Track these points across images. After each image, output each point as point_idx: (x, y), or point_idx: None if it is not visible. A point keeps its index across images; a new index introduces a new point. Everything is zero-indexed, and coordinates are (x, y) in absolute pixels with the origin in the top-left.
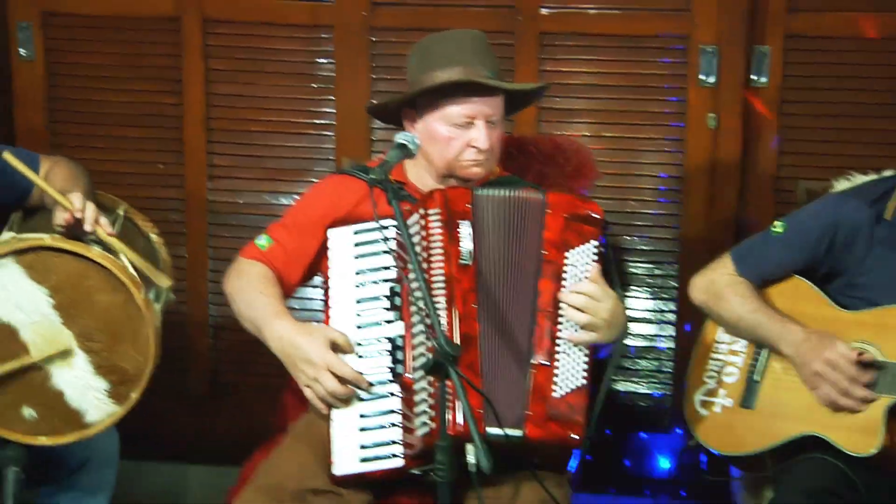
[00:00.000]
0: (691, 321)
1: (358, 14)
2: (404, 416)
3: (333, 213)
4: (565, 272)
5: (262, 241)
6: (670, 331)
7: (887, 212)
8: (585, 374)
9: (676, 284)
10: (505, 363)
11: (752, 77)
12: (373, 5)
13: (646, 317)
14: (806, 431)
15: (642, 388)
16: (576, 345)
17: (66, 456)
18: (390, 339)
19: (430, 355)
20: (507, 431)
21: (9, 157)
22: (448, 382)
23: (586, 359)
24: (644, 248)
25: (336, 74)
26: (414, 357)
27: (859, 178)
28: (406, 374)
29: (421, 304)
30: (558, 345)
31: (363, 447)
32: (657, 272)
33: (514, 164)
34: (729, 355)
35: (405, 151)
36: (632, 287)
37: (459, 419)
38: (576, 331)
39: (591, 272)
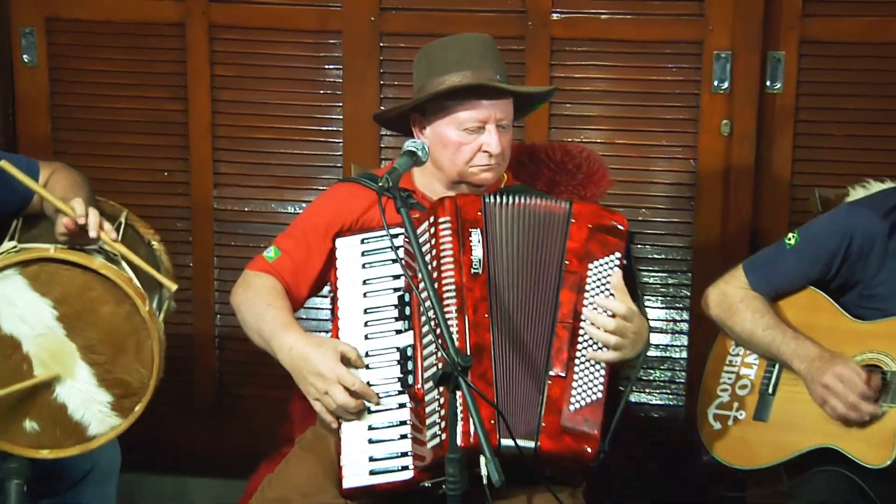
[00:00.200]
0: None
1: (366, 19)
2: (414, 428)
3: (341, 222)
4: (587, 284)
5: (270, 252)
6: (683, 341)
7: None
8: (603, 387)
9: (689, 294)
10: (519, 374)
11: (767, 83)
12: (381, 10)
13: (659, 327)
14: (820, 444)
15: (655, 399)
16: (596, 361)
17: (68, 468)
18: (400, 350)
19: (441, 365)
20: (520, 443)
21: (6, 165)
22: (459, 394)
23: (604, 372)
24: (656, 256)
25: (344, 81)
26: (424, 367)
27: (875, 186)
28: (416, 386)
29: (431, 313)
30: (577, 357)
31: (373, 459)
32: (670, 281)
33: (524, 172)
34: (742, 368)
35: (415, 159)
36: (644, 296)
37: (471, 431)
38: (598, 348)
39: (614, 286)
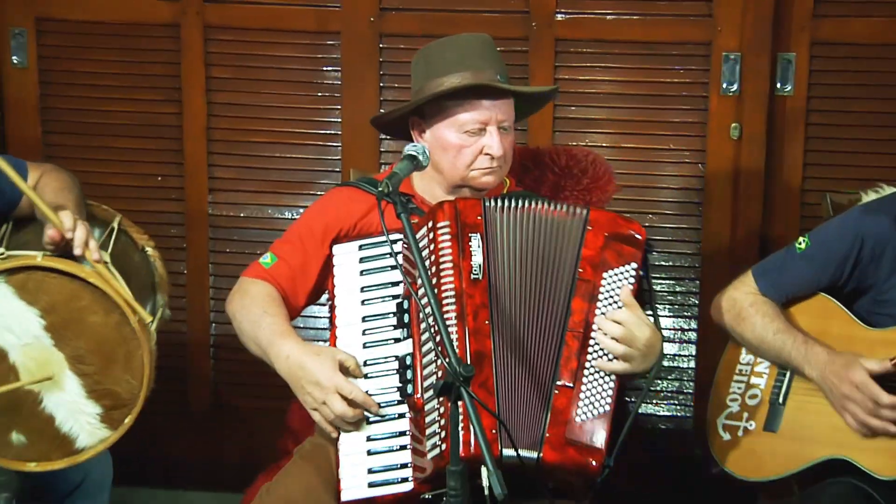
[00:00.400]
0: (713, 340)
1: (365, 20)
2: (414, 438)
3: (338, 227)
4: (601, 293)
5: (266, 258)
6: (691, 350)
7: None
8: (611, 400)
9: (697, 302)
10: (522, 382)
11: (777, 85)
12: (381, 11)
13: (666, 335)
14: (831, 455)
15: (663, 410)
16: (606, 372)
17: (59, 481)
18: (399, 358)
19: (441, 373)
20: (523, 453)
21: (1, 163)
22: (460, 404)
23: (613, 385)
24: (664, 263)
25: (343, 83)
26: (424, 376)
27: (888, 190)
28: (416, 395)
29: (431, 320)
30: (586, 368)
31: (372, 471)
32: (678, 289)
33: (528, 177)
34: (752, 377)
35: (415, 163)
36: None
37: (472, 441)
38: (609, 359)
39: (628, 297)
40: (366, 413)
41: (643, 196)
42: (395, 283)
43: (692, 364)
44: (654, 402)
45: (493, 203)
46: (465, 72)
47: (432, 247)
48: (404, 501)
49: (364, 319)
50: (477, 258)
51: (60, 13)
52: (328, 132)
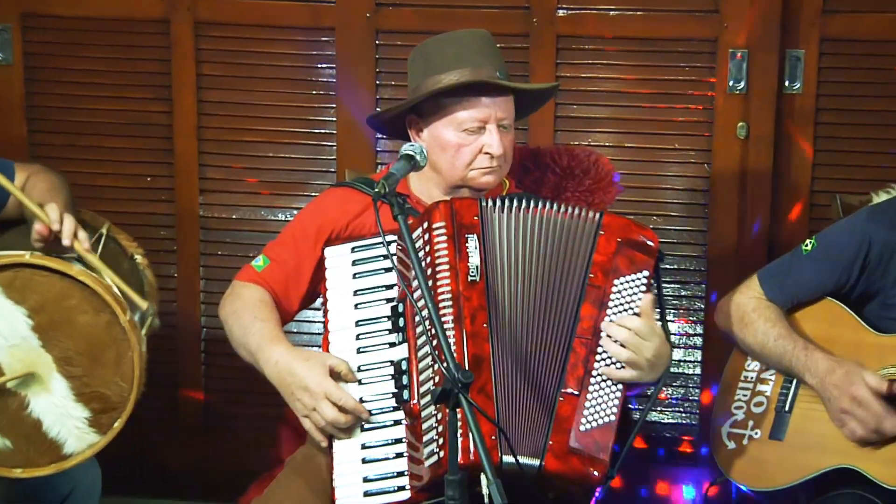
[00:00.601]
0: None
1: (361, 15)
2: (411, 446)
3: (331, 228)
4: (611, 300)
5: (259, 261)
6: (697, 356)
7: None
8: (616, 410)
9: (703, 306)
10: (523, 388)
11: (785, 83)
12: (377, 6)
13: (671, 341)
14: (839, 464)
15: (667, 418)
16: (613, 381)
17: (46, 491)
18: (394, 363)
19: (438, 378)
20: (523, 460)
21: None
22: (459, 411)
23: (619, 394)
24: (669, 266)
25: (338, 81)
26: (420, 382)
27: None
28: (412, 401)
29: (427, 323)
30: (593, 376)
31: (367, 480)
32: (683, 293)
33: (529, 178)
34: (758, 384)
35: (413, 163)
36: (654, 309)
37: (470, 448)
38: (617, 366)
39: (639, 305)
40: (360, 420)
41: (647, 197)
42: (390, 286)
43: (698, 370)
44: (659, 409)
45: (489, 203)
46: (464, 68)
47: (428, 248)
48: None
49: (357, 324)
50: (474, 259)
51: (47, 9)
52: (323, 131)
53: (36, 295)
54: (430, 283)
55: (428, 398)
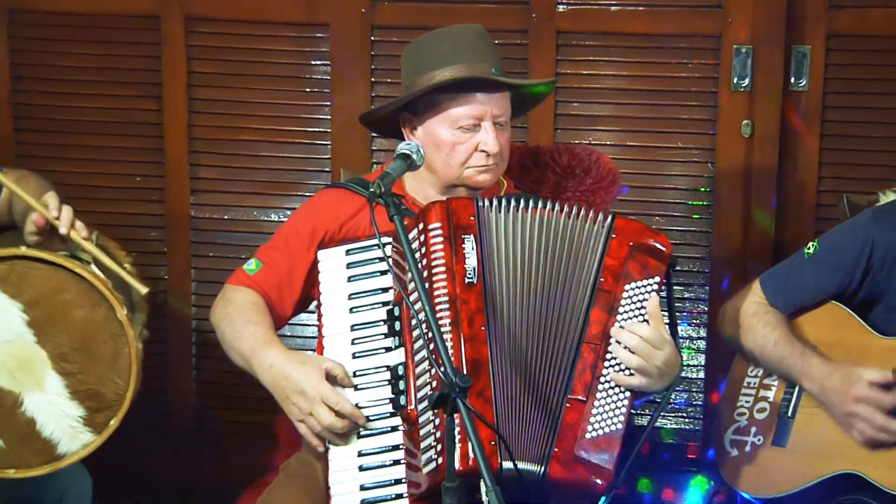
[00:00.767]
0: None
1: (356, 11)
2: (408, 452)
3: (324, 230)
4: (621, 306)
5: (251, 265)
6: (700, 360)
7: None
8: (623, 418)
9: (707, 309)
10: (525, 393)
11: (791, 80)
12: (373, 1)
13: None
14: (843, 470)
15: (670, 424)
16: (621, 388)
17: (35, 498)
18: (390, 368)
19: (435, 383)
20: (525, 466)
21: None
22: (456, 416)
23: (627, 402)
24: None
25: (332, 78)
26: (417, 387)
27: None
28: (409, 407)
29: (424, 327)
30: (601, 382)
31: (364, 488)
32: (686, 295)
33: (528, 177)
34: (761, 389)
35: (409, 162)
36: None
37: (469, 454)
38: (626, 373)
39: (650, 312)
40: (357, 426)
41: (649, 197)
42: (385, 290)
43: (701, 375)
44: (662, 414)
45: (486, 203)
46: (459, 64)
47: (423, 250)
48: None
49: (353, 328)
50: (471, 261)
51: (33, 4)
52: (317, 130)
53: (31, 289)
54: (426, 285)
55: (425, 403)
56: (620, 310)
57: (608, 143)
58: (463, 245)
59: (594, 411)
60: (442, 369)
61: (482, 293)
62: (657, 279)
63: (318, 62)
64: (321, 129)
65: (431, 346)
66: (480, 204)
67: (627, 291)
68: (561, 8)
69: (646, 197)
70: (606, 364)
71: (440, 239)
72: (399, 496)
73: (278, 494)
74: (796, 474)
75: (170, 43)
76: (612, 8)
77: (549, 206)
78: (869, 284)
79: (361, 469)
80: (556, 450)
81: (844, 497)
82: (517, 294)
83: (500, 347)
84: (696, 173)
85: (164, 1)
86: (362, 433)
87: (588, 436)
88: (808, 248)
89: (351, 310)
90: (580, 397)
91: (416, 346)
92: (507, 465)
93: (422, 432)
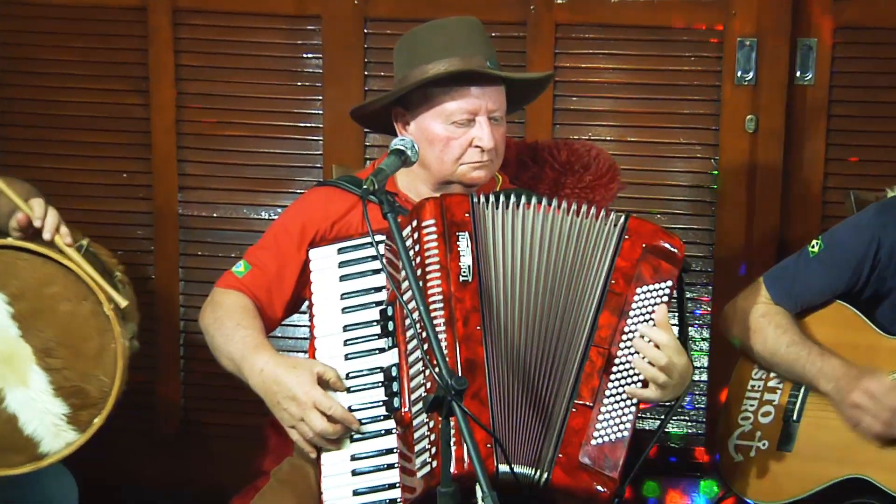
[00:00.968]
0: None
1: (349, 2)
2: (402, 456)
3: (315, 229)
4: (632, 310)
5: (240, 267)
6: (703, 361)
7: None
8: (630, 426)
9: (710, 309)
10: (523, 395)
11: (797, 74)
12: None
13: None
14: (850, 474)
15: (673, 427)
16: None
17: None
18: (384, 370)
19: (429, 384)
20: (522, 470)
21: None
22: (451, 419)
23: (634, 409)
24: None
25: (324, 71)
26: (411, 389)
27: None
28: (403, 409)
29: (418, 327)
30: (608, 388)
31: (357, 493)
32: (688, 295)
33: (526, 174)
34: (766, 393)
35: (403, 158)
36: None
37: (464, 457)
38: (641, 385)
39: (658, 321)
40: (350, 430)
41: (650, 194)
42: (378, 289)
43: (704, 377)
44: (663, 418)
45: (482, 199)
46: (452, 57)
47: (417, 248)
48: None
49: (345, 329)
50: (466, 259)
51: None
52: (308, 125)
53: (17, 280)
54: (420, 284)
55: (419, 406)
56: (631, 314)
57: (608, 138)
58: (457, 242)
59: (601, 417)
60: (437, 370)
61: (477, 291)
62: (669, 283)
63: (309, 55)
64: (313, 125)
65: (426, 346)
66: (475, 200)
67: (639, 295)
68: None
69: (646, 194)
70: (615, 370)
71: (434, 236)
72: (393, 501)
73: (269, 500)
74: (803, 479)
75: (157, 36)
76: None
77: (554, 203)
78: (876, 281)
79: (355, 473)
80: (559, 456)
81: (852, 501)
82: (516, 293)
83: (496, 347)
84: (698, 170)
85: None
86: (355, 437)
87: (594, 442)
88: (813, 247)
89: (343, 310)
90: (587, 403)
91: (410, 346)
92: (503, 468)
93: (416, 435)
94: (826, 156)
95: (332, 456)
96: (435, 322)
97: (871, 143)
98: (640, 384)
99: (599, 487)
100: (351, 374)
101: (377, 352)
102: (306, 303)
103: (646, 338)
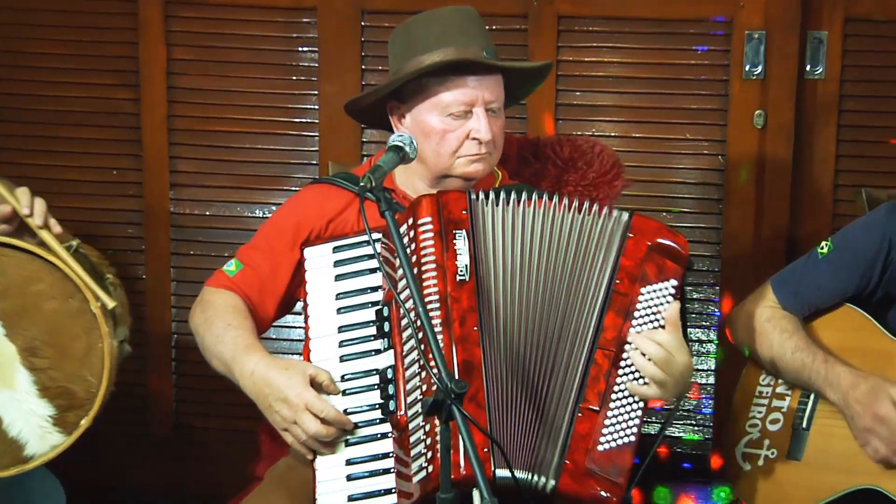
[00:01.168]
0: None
1: None
2: (398, 461)
3: (309, 228)
4: (637, 310)
5: (231, 266)
6: (710, 364)
7: None
8: (636, 429)
9: (717, 311)
10: (522, 397)
11: (807, 68)
12: None
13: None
14: (861, 485)
15: (678, 432)
16: (635, 398)
17: None
18: (379, 372)
19: (426, 387)
20: (522, 475)
21: None
22: (450, 424)
23: (640, 412)
24: None
25: (320, 65)
26: (407, 391)
27: None
28: (399, 412)
29: (417, 326)
30: (614, 392)
31: (352, 498)
32: (695, 296)
33: (528, 170)
34: (774, 399)
35: (401, 155)
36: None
37: (461, 462)
38: (641, 382)
39: (668, 318)
40: (345, 433)
41: (656, 192)
42: (374, 289)
43: (711, 380)
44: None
45: (480, 196)
46: (448, 47)
47: (413, 246)
48: None
49: (340, 330)
50: (463, 258)
51: None
52: (304, 120)
53: (3, 277)
54: (417, 283)
55: (416, 409)
56: (636, 314)
57: (612, 134)
58: (454, 240)
59: (607, 422)
60: (436, 373)
61: (475, 291)
62: (674, 282)
63: (305, 49)
64: (308, 120)
65: (423, 347)
66: (473, 198)
67: (644, 295)
68: None
69: (652, 191)
70: (621, 372)
71: (430, 234)
72: None
73: (264, 501)
74: (813, 489)
75: (148, 29)
76: None
77: (555, 200)
78: (888, 283)
79: (350, 478)
80: (567, 462)
81: None
82: (515, 293)
83: (494, 349)
84: (705, 166)
85: None
86: (350, 441)
87: (600, 448)
88: (822, 248)
89: (339, 310)
90: (593, 407)
91: (407, 347)
92: (501, 472)
93: (412, 439)
94: (837, 152)
95: (326, 460)
96: (432, 323)
97: (883, 139)
98: (643, 382)
99: (608, 495)
100: (346, 377)
101: (373, 353)
102: (300, 303)
103: (646, 335)
